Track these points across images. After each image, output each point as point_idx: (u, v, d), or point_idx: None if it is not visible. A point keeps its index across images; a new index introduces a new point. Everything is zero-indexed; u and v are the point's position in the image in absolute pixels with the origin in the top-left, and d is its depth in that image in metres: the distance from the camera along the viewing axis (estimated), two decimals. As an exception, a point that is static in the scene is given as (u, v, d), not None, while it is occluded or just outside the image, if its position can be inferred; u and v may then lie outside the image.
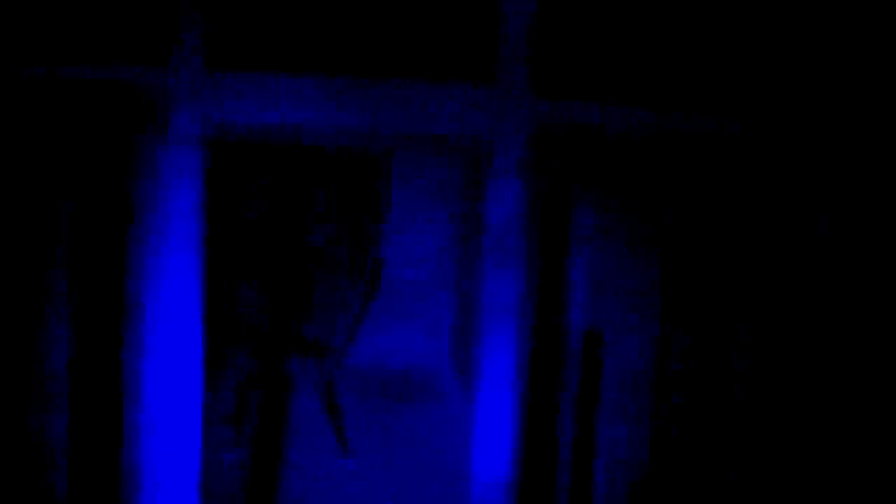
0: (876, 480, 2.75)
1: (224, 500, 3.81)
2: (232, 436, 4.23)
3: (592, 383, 2.64)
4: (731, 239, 2.65)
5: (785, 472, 2.73)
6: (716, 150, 2.49)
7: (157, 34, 2.40)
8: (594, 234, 2.59)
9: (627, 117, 2.28)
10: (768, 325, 2.66)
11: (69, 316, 2.84)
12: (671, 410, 2.68)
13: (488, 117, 2.15)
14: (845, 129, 2.50)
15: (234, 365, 4.16)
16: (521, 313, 2.33)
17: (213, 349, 4.03)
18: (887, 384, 2.73)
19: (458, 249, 5.48)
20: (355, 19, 2.31)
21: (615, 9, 2.44)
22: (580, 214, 2.59)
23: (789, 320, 2.67)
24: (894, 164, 2.58)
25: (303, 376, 4.39)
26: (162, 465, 2.39)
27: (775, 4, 2.50)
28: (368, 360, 5.18)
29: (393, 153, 4.93)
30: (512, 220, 2.13)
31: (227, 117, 2.15)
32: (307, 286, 4.42)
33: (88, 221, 2.93)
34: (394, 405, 4.80)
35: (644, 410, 2.68)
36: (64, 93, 2.47)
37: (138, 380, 2.85)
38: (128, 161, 2.84)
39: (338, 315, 4.43)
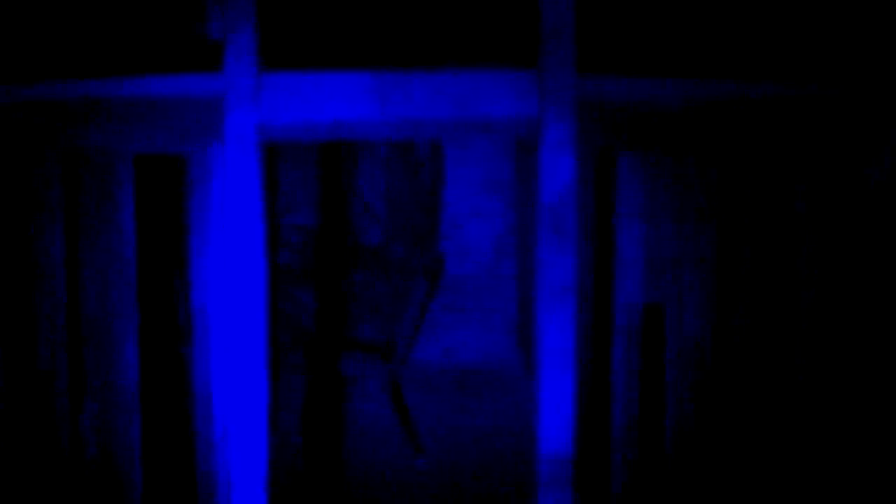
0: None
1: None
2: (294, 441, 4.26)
3: (655, 359, 2.63)
4: (789, 207, 2.63)
5: (853, 448, 2.69)
6: (765, 116, 2.47)
7: (210, 39, 2.42)
8: (648, 209, 2.57)
9: (672, 88, 2.27)
10: (831, 298, 2.63)
11: (137, 331, 2.88)
12: (730, 386, 2.66)
13: (535, 98, 2.15)
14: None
15: (291, 370, 4.19)
16: (577, 292, 2.33)
17: (272, 355, 4.06)
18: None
19: (516, 240, 5.48)
20: (396, 12, 2.32)
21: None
22: (633, 190, 2.58)
23: (853, 294, 2.63)
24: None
25: (368, 378, 4.41)
26: (232, 472, 2.42)
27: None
28: (433, 357, 5.20)
29: (444, 143, 4.94)
30: (566, 198, 2.13)
31: (278, 118, 2.17)
32: (364, 286, 4.43)
33: (155, 237, 2.96)
34: (462, 401, 4.81)
35: (702, 386, 2.67)
36: (121, 105, 2.50)
37: (207, 389, 2.88)
38: (187, 171, 2.87)
39: (398, 314, 4.44)
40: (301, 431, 4.23)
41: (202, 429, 2.90)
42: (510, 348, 5.41)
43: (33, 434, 2.82)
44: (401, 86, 2.11)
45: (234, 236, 2.23)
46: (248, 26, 2.12)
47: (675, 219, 2.58)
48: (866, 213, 2.57)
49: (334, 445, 4.34)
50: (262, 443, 2.31)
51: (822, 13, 2.48)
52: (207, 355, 2.88)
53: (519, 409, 4.72)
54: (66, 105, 2.35)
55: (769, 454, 2.69)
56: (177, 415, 3.02)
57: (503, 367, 5.26)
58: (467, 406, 4.73)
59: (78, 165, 2.75)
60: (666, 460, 2.69)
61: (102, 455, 2.87)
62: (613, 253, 2.54)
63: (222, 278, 2.86)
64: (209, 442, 2.91)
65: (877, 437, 2.66)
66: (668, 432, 2.68)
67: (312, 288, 4.32)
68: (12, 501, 2.83)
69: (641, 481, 2.69)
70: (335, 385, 4.64)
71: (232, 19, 2.12)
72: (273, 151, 4.24)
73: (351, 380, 4.51)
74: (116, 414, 2.86)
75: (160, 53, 2.53)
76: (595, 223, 2.57)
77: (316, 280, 4.34)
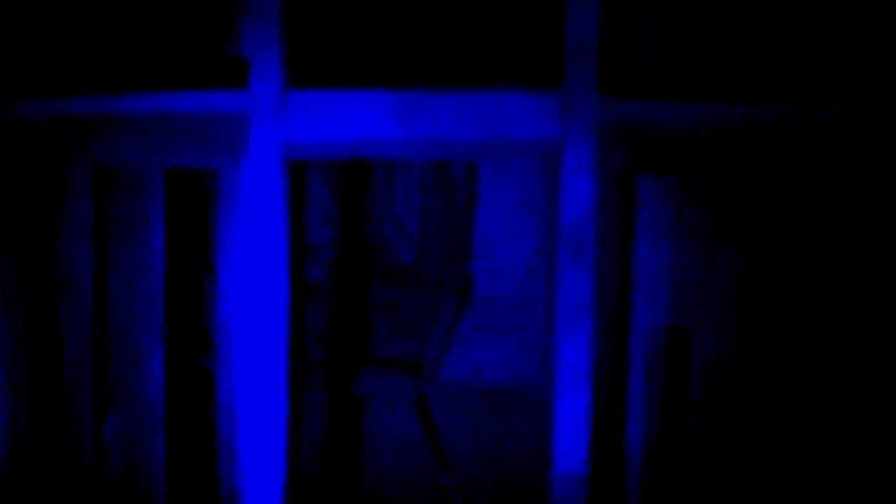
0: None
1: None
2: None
3: (678, 379, 2.63)
4: (814, 230, 2.62)
5: (882, 464, 2.67)
6: (786, 140, 2.47)
7: (237, 58, 2.45)
8: (670, 231, 2.57)
9: (695, 111, 2.27)
10: (856, 319, 2.62)
11: (164, 344, 2.90)
12: (754, 407, 2.65)
13: (557, 120, 2.16)
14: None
15: (316, 386, 4.19)
16: (595, 311, 2.33)
17: (296, 371, 4.07)
18: None
19: (547, 260, 5.48)
20: (425, 33, 2.34)
21: (680, 6, 2.43)
22: (654, 211, 2.58)
23: (880, 315, 2.62)
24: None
25: (395, 395, 4.42)
26: (250, 480, 2.43)
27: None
28: (462, 376, 5.20)
29: (478, 163, 4.95)
30: (585, 221, 2.14)
31: (303, 136, 2.19)
32: (395, 304, 4.44)
33: (182, 251, 2.99)
34: (490, 420, 4.80)
35: (726, 407, 2.66)
36: (149, 120, 2.53)
37: (232, 402, 2.90)
38: (216, 186, 2.90)
39: (428, 332, 4.45)
40: (323, 447, 4.25)
41: (226, 442, 2.92)
42: (539, 369, 5.40)
43: (56, 444, 2.85)
44: (424, 105, 2.13)
45: (256, 252, 2.25)
46: (274, 44, 2.14)
47: (698, 241, 2.58)
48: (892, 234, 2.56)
49: (355, 460, 4.35)
50: (279, 456, 2.32)
51: (845, 42, 2.48)
52: (232, 369, 2.90)
53: (546, 429, 4.71)
54: (94, 120, 2.38)
55: (794, 476, 2.68)
56: (201, 427, 3.04)
57: (532, 387, 5.24)
58: (495, 425, 4.72)
59: (107, 180, 2.79)
60: (687, 481, 2.68)
61: (126, 466, 2.90)
62: (632, 274, 2.54)
63: (248, 292, 2.88)
64: (233, 455, 2.93)
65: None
66: (689, 453, 2.67)
67: (341, 304, 4.34)
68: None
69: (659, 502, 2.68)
70: (359, 401, 4.66)
71: (258, 37, 2.15)
72: (300, 168, 4.27)
73: (377, 396, 4.52)
74: (141, 426, 2.89)
75: (188, 70, 2.56)
76: (616, 244, 2.57)
77: (345, 297, 4.35)
